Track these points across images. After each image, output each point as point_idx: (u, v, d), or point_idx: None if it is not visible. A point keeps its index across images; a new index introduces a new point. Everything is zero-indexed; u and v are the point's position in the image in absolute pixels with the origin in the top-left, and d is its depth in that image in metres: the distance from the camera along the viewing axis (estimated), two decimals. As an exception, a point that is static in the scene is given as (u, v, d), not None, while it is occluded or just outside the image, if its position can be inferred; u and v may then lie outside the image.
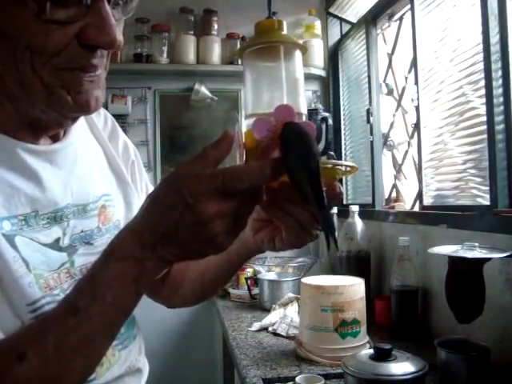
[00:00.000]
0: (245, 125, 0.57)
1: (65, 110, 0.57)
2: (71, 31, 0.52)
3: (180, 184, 0.46)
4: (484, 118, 1.27)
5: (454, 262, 1.05)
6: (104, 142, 0.75)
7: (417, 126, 1.64)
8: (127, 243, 0.49)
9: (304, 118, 0.57)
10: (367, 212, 1.92)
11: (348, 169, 0.60)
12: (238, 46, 2.30)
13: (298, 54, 0.58)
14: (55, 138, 0.64)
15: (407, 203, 1.99)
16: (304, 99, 0.58)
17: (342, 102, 2.44)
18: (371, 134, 2.03)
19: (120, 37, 0.56)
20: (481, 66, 1.28)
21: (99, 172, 0.71)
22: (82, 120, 0.70)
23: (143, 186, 0.81)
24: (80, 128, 0.69)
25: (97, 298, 0.49)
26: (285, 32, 0.58)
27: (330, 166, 0.58)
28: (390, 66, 2.12)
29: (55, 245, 0.60)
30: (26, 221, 0.57)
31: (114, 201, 0.72)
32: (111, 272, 0.49)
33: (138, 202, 0.75)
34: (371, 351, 0.97)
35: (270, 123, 0.52)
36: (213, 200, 0.45)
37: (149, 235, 0.48)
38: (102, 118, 0.77)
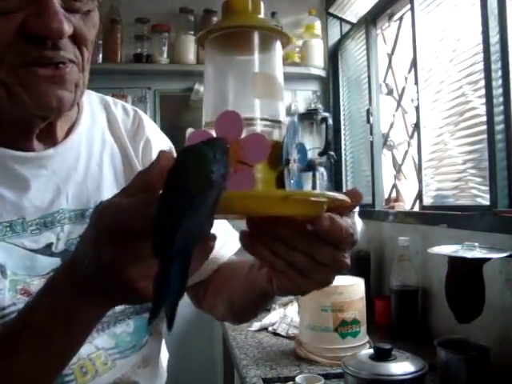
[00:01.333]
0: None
1: (27, 111, 0.54)
2: (12, 23, 0.49)
3: (91, 220, 0.41)
4: (484, 118, 1.27)
5: (454, 261, 1.05)
6: (124, 143, 0.71)
7: (417, 126, 1.64)
8: (58, 279, 0.45)
9: (277, 130, 0.45)
10: (367, 212, 1.92)
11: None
12: (238, 46, 2.30)
13: (277, 45, 0.46)
14: (52, 142, 0.62)
15: (407, 203, 1.99)
16: (283, 105, 0.47)
17: (341, 102, 2.44)
18: (371, 134, 2.03)
19: (66, 26, 0.50)
20: (481, 66, 1.28)
21: (112, 175, 0.68)
22: (99, 120, 0.69)
23: None
24: (90, 129, 0.67)
25: (31, 334, 0.45)
26: (261, 15, 0.45)
27: (324, 199, 0.41)
28: (389, 66, 2.12)
29: (46, 250, 0.60)
30: (12, 227, 0.58)
31: None
32: (45, 306, 0.45)
33: None
34: (371, 351, 0.97)
35: (207, 136, 0.40)
36: (119, 239, 0.38)
37: (72, 276, 0.43)
38: (130, 117, 0.74)
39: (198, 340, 2.29)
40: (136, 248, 0.38)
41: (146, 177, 0.39)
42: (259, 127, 0.43)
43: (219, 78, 0.47)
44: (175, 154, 0.39)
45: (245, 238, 0.45)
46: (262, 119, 0.44)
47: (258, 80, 0.44)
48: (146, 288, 0.39)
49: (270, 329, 1.51)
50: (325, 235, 0.42)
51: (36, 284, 0.57)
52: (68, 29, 0.51)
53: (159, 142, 0.75)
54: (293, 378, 1.08)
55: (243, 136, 0.40)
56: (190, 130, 0.44)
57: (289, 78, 2.40)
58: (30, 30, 0.49)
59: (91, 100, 0.71)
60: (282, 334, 1.46)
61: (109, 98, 0.73)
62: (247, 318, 0.76)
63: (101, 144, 0.68)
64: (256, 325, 1.55)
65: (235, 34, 0.45)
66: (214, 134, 0.40)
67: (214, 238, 0.41)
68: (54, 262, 0.59)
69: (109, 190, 0.66)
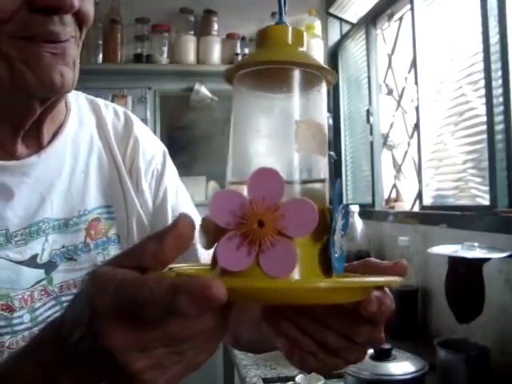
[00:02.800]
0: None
1: (28, 90, 0.49)
2: None
3: (85, 290, 0.33)
4: (484, 118, 1.27)
5: (454, 261, 1.05)
6: (113, 149, 0.66)
7: (417, 126, 1.64)
8: (44, 348, 0.37)
9: (320, 192, 0.36)
10: (367, 212, 1.92)
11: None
12: (238, 46, 2.30)
13: (323, 85, 0.37)
14: (37, 146, 0.58)
15: (407, 203, 1.99)
16: (326, 161, 0.37)
17: (341, 102, 2.44)
18: (371, 134, 2.03)
19: (78, 1, 0.48)
20: (480, 66, 1.28)
21: (98, 183, 0.63)
22: (88, 123, 0.65)
23: (161, 192, 0.69)
24: (77, 133, 0.63)
25: None
26: (303, 48, 0.37)
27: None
28: (389, 66, 2.12)
29: (31, 262, 0.56)
30: None
31: (115, 213, 0.64)
32: (23, 376, 0.37)
33: (147, 209, 0.66)
34: (371, 351, 0.97)
35: (239, 200, 0.32)
36: (120, 324, 0.30)
37: (62, 344, 0.34)
38: (121, 120, 0.68)
39: (198, 340, 2.29)
40: (147, 335, 0.31)
41: (157, 248, 0.31)
42: (301, 189, 0.34)
43: (250, 125, 0.36)
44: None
45: (266, 310, 0.38)
46: (304, 181, 0.35)
47: (301, 130, 0.35)
48: (152, 381, 0.32)
49: (270, 329, 1.51)
50: (370, 318, 0.36)
51: (19, 298, 0.54)
52: (77, 3, 0.47)
53: (149, 145, 0.69)
54: (293, 378, 1.08)
55: (284, 201, 0.32)
56: (214, 188, 0.36)
57: (289, 78, 2.40)
58: (38, 3, 0.46)
59: (80, 102, 0.66)
60: (282, 333, 1.46)
61: (100, 101, 0.68)
62: (258, 352, 0.69)
63: (88, 149, 0.64)
64: (256, 325, 1.55)
65: (272, 71, 0.35)
66: (246, 195, 0.32)
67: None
68: (38, 275, 0.56)
69: (93, 199, 0.62)
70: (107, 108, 0.68)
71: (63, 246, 0.59)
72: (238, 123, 0.36)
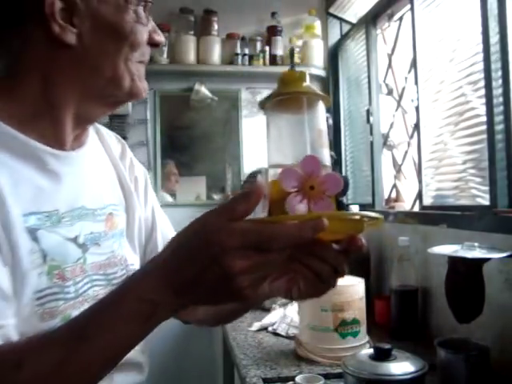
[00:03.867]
0: (270, 175, 0.56)
1: (137, 95, 0.69)
2: (146, 32, 0.68)
3: (210, 237, 0.47)
4: (484, 118, 1.27)
5: (454, 261, 1.05)
6: (115, 159, 0.81)
7: (417, 126, 1.64)
8: (147, 285, 0.50)
9: (329, 170, 0.56)
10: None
11: (373, 221, 0.56)
12: (238, 46, 2.30)
13: (320, 105, 0.58)
14: (74, 146, 0.71)
15: (407, 203, 1.99)
16: (328, 151, 0.57)
17: (341, 102, 2.44)
18: (371, 134, 2.03)
19: None
20: (480, 66, 1.28)
21: (109, 184, 0.77)
22: (96, 141, 0.79)
23: (148, 200, 0.86)
24: (94, 146, 0.77)
25: (107, 332, 0.50)
26: (307, 83, 0.59)
27: (357, 217, 0.55)
28: (389, 66, 2.12)
29: (74, 241, 0.67)
30: (50, 217, 0.64)
31: (119, 211, 0.77)
32: (125, 309, 0.50)
33: (142, 215, 0.83)
34: (371, 351, 0.97)
35: (298, 174, 0.51)
36: (242, 256, 0.46)
37: (171, 283, 0.49)
38: (114, 140, 0.84)
39: (198, 340, 2.29)
40: (256, 263, 0.46)
41: (246, 206, 0.47)
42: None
43: (279, 131, 0.59)
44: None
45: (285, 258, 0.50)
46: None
47: (318, 134, 0.58)
48: (248, 295, 0.47)
49: (270, 329, 1.51)
50: (354, 251, 0.52)
51: (69, 270, 0.64)
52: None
53: (138, 165, 0.86)
54: (293, 378, 1.08)
55: (323, 174, 0.52)
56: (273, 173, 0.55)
57: (289, 78, 2.40)
58: (153, 40, 0.69)
59: None
60: (282, 333, 1.46)
61: (100, 126, 0.82)
62: (229, 322, 0.92)
63: (100, 157, 0.78)
64: (256, 325, 1.55)
65: (290, 99, 0.58)
66: (300, 171, 0.52)
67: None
68: (78, 253, 0.67)
69: (107, 197, 0.75)
70: (109, 134, 0.84)
71: (91, 232, 0.70)
72: (271, 132, 0.59)
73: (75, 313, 0.59)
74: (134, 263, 0.77)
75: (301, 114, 0.57)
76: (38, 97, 0.64)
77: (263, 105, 0.59)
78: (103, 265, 0.70)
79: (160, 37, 0.71)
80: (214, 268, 0.46)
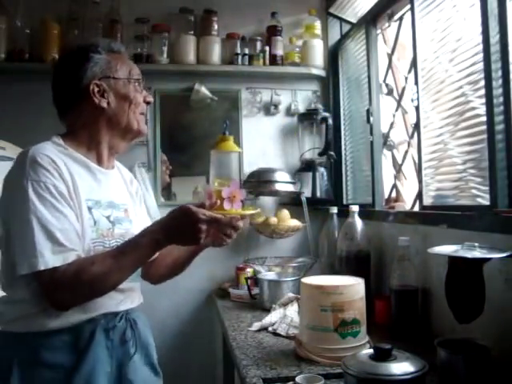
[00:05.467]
0: (213, 185, 1.16)
1: (140, 134, 1.22)
2: (142, 96, 1.21)
3: (191, 213, 1.03)
4: (484, 118, 1.27)
5: (454, 261, 1.05)
6: (125, 181, 1.30)
7: (417, 126, 1.64)
8: (155, 231, 1.05)
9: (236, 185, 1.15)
10: (367, 212, 1.92)
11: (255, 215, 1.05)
12: (238, 46, 2.31)
13: (234, 153, 1.23)
14: (106, 166, 1.20)
15: (407, 203, 1.99)
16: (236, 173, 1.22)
17: (342, 102, 2.44)
18: (371, 133, 2.03)
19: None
20: (481, 66, 1.28)
21: (124, 192, 1.27)
22: (117, 170, 1.28)
23: (142, 205, 1.37)
24: (117, 171, 1.27)
25: (135, 251, 1.03)
26: (231, 142, 1.20)
27: (247, 212, 1.20)
28: (389, 65, 2.12)
29: (108, 218, 1.13)
30: (97, 203, 1.11)
31: (129, 208, 1.24)
32: (144, 241, 1.04)
33: (139, 212, 1.32)
34: (371, 351, 0.97)
35: (229, 189, 1.12)
36: (203, 223, 1.03)
37: (167, 232, 1.05)
38: (127, 171, 1.35)
39: (198, 340, 2.29)
40: (209, 227, 1.05)
41: (207, 203, 1.12)
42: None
43: (219, 163, 1.23)
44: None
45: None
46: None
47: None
48: (202, 240, 1.05)
49: (270, 329, 1.51)
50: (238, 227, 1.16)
51: (105, 233, 1.10)
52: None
53: (137, 186, 1.36)
54: (293, 378, 1.08)
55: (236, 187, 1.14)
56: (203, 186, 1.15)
57: (289, 77, 2.40)
58: (148, 99, 1.22)
59: None
60: (282, 334, 1.46)
61: (119, 164, 1.31)
62: (177, 274, 1.34)
63: (119, 178, 1.28)
64: (256, 325, 1.55)
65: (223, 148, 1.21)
66: (230, 188, 1.13)
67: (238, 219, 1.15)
68: (110, 225, 1.12)
69: (124, 199, 1.23)
70: (124, 169, 1.33)
71: (116, 216, 1.16)
72: (214, 163, 1.23)
73: None
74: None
75: (227, 156, 1.23)
76: (89, 139, 1.16)
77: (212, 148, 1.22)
78: (122, 234, 1.14)
79: (150, 98, 1.23)
80: (190, 227, 1.03)
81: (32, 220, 0.97)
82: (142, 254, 1.03)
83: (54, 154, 1.06)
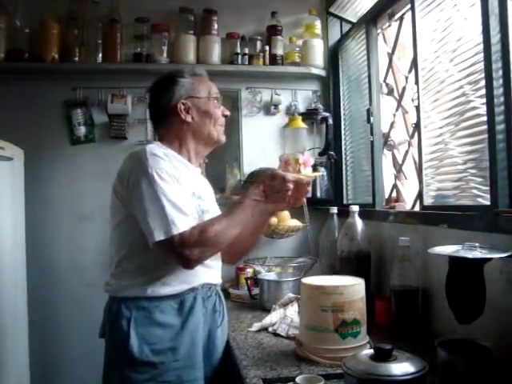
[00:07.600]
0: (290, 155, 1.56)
1: (220, 143, 1.46)
2: (220, 110, 1.44)
3: (283, 175, 1.31)
4: (484, 118, 1.27)
5: (455, 262, 1.05)
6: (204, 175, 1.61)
7: (417, 126, 1.63)
8: (255, 194, 1.31)
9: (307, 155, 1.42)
10: (367, 212, 1.91)
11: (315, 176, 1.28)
12: (238, 45, 2.31)
13: (302, 129, 1.83)
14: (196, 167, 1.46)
15: (407, 203, 1.99)
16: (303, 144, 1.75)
17: (342, 102, 2.44)
18: (371, 133, 2.03)
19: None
20: (481, 65, 1.27)
21: (207, 184, 1.53)
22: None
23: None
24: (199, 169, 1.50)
25: (240, 213, 1.29)
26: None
27: (313, 175, 1.45)
28: (390, 65, 2.12)
29: (197, 207, 1.33)
30: (193, 193, 1.33)
31: (210, 201, 1.48)
32: (246, 204, 1.30)
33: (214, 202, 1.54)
34: (371, 351, 0.97)
35: (303, 156, 1.40)
36: (290, 183, 1.30)
37: (263, 193, 1.31)
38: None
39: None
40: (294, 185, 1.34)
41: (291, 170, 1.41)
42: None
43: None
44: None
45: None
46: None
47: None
48: (290, 199, 1.36)
49: (270, 329, 1.51)
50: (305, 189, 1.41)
51: (204, 208, 1.36)
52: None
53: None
54: (293, 379, 1.07)
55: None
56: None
57: (289, 77, 2.40)
58: (226, 113, 1.46)
59: None
60: (282, 334, 1.46)
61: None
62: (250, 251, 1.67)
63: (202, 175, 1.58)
64: (256, 325, 1.55)
65: None
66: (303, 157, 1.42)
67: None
68: (198, 203, 1.34)
69: (210, 195, 1.50)
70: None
71: (205, 199, 1.40)
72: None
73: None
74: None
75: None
76: (179, 147, 1.40)
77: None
78: (206, 210, 1.36)
79: (227, 112, 1.46)
80: (280, 186, 1.30)
81: (162, 198, 1.21)
82: (246, 213, 1.29)
83: (162, 150, 1.31)
